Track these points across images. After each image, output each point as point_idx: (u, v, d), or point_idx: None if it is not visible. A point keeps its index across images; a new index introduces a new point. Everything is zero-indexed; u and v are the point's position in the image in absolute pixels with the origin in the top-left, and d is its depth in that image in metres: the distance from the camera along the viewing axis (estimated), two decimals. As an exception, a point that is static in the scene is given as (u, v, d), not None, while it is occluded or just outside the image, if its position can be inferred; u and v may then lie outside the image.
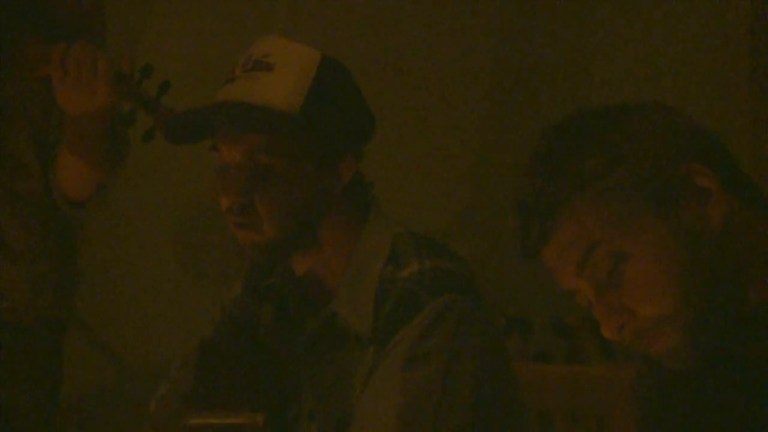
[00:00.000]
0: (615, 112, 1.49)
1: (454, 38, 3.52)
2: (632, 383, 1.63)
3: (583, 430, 2.33)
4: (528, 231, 1.46)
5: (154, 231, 3.19)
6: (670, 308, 1.41)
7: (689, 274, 1.40)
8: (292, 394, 1.95)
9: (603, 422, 2.30)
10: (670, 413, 1.55)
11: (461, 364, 1.84)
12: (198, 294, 3.14)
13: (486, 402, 1.86)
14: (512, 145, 3.54)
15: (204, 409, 1.84)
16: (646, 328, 1.42)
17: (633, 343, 1.44)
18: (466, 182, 3.51)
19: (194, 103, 2.14)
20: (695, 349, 1.42)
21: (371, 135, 1.97)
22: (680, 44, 3.55)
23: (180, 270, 3.19)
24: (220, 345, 2.00)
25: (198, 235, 3.20)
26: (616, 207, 1.42)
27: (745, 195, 1.46)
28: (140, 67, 2.20)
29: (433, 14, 3.49)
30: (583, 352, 3.24)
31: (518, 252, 1.49)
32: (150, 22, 3.08)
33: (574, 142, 1.46)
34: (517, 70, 3.65)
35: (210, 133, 1.93)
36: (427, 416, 1.82)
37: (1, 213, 2.36)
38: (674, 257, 1.40)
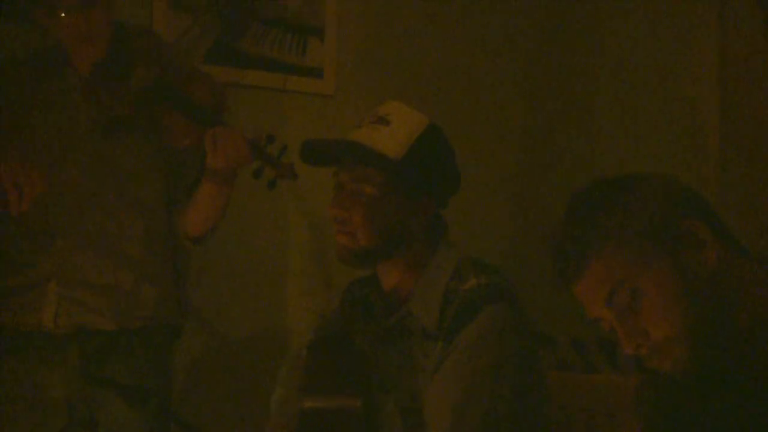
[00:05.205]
0: (629, 179, 1.54)
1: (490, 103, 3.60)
2: (635, 388, 1.64)
3: (597, 424, 2.35)
4: (564, 270, 1.52)
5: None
6: (676, 331, 1.44)
7: (691, 304, 1.44)
8: (374, 376, 2.02)
9: (612, 417, 2.31)
10: (671, 415, 1.58)
11: (508, 354, 1.90)
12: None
13: (526, 386, 1.93)
14: (537, 194, 3.60)
15: (315, 395, 1.91)
16: (658, 346, 1.46)
17: (647, 358, 1.48)
18: (503, 226, 3.55)
19: (295, 164, 2.26)
20: (696, 363, 1.46)
21: (455, 190, 2.07)
22: (661, 115, 3.59)
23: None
24: (323, 346, 2.06)
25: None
26: (634, 253, 1.46)
27: (728, 242, 1.51)
28: (266, 136, 2.34)
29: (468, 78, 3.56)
30: (595, 363, 3.21)
31: (553, 284, 1.54)
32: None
33: (601, 202, 1.51)
34: (542, 133, 3.69)
35: (332, 162, 2.06)
36: (483, 397, 1.87)
37: (143, 247, 2.46)
38: (679, 292, 1.44)
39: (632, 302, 1.46)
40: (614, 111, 3.70)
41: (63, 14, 2.30)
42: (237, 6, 3.09)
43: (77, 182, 2.40)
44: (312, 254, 3.19)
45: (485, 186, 3.49)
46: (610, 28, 3.71)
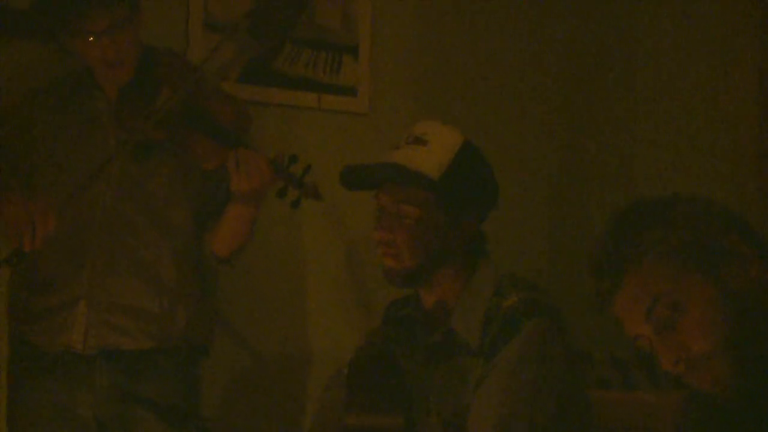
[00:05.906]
0: (669, 199, 1.54)
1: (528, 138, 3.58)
2: (678, 406, 1.64)
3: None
4: (602, 286, 1.51)
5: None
6: (717, 346, 1.43)
7: (731, 319, 1.43)
8: (416, 393, 2.02)
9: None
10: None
11: (550, 369, 1.90)
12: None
13: (569, 400, 1.92)
14: (575, 212, 3.57)
15: (358, 412, 1.92)
16: (698, 362, 1.44)
17: (686, 375, 1.47)
18: (541, 243, 3.53)
19: (329, 182, 2.24)
20: (738, 379, 1.44)
21: (494, 205, 2.07)
22: (700, 134, 3.52)
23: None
24: (365, 364, 2.06)
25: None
26: (673, 267, 1.46)
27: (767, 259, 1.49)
28: (289, 156, 2.32)
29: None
30: (634, 381, 3.19)
31: (591, 301, 1.52)
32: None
33: (641, 220, 1.51)
34: (581, 151, 3.67)
35: (372, 186, 2.06)
36: (527, 412, 1.86)
37: (174, 269, 2.45)
38: (719, 306, 1.44)
39: (672, 317, 1.46)
40: (653, 129, 3.66)
41: (91, 38, 2.31)
42: (271, 26, 3.09)
43: (107, 205, 2.40)
44: (343, 272, 3.18)
45: (523, 203, 3.47)
46: (650, 47, 3.68)
